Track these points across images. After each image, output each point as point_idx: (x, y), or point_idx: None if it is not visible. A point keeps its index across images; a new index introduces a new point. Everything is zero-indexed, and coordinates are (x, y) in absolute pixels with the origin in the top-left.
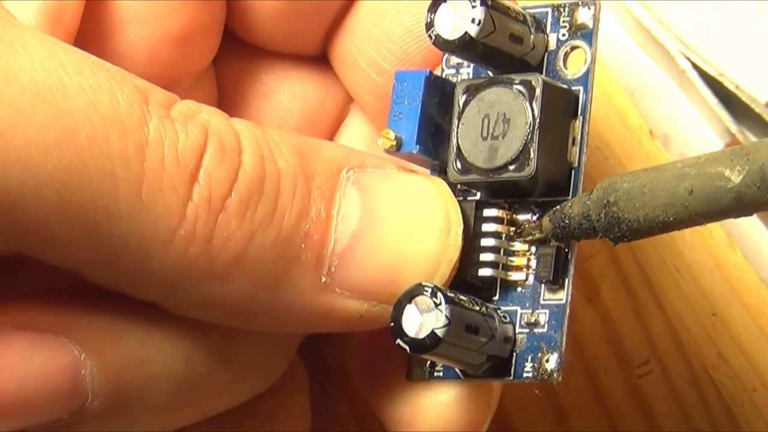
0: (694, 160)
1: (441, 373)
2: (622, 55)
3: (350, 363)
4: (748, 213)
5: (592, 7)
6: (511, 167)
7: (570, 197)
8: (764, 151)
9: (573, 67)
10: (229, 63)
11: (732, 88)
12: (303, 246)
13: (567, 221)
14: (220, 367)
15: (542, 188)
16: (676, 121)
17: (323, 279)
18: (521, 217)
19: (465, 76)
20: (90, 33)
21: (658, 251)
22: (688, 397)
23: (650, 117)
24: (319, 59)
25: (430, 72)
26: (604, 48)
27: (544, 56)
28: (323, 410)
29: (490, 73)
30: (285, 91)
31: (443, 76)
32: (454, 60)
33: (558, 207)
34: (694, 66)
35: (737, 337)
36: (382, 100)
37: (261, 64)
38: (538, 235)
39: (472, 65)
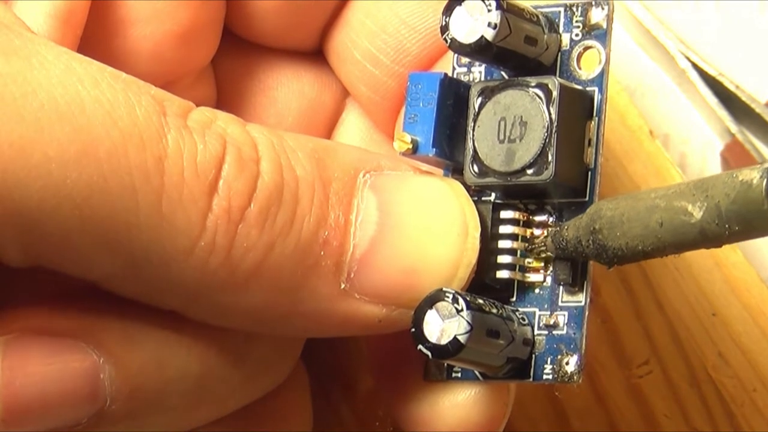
0: (664, 191)
1: (459, 374)
2: (622, 55)
3: (351, 363)
4: (716, 245)
5: (606, 8)
6: (530, 171)
7: (587, 198)
8: (720, 187)
9: (587, 68)
10: (226, 60)
11: (732, 88)
12: (322, 253)
13: (564, 244)
14: (234, 367)
15: (560, 190)
16: (676, 121)
17: (342, 285)
18: (538, 218)
19: (476, 74)
20: (95, 32)
21: None
22: (688, 397)
23: (650, 117)
24: (316, 55)
25: (445, 74)
26: None
27: (557, 56)
28: (324, 410)
29: (503, 73)
30: (282, 88)
31: (454, 74)
32: (465, 58)
33: (558, 228)
34: (694, 66)
35: (737, 337)
36: (377, 92)
37: (258, 61)
38: (548, 255)
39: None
